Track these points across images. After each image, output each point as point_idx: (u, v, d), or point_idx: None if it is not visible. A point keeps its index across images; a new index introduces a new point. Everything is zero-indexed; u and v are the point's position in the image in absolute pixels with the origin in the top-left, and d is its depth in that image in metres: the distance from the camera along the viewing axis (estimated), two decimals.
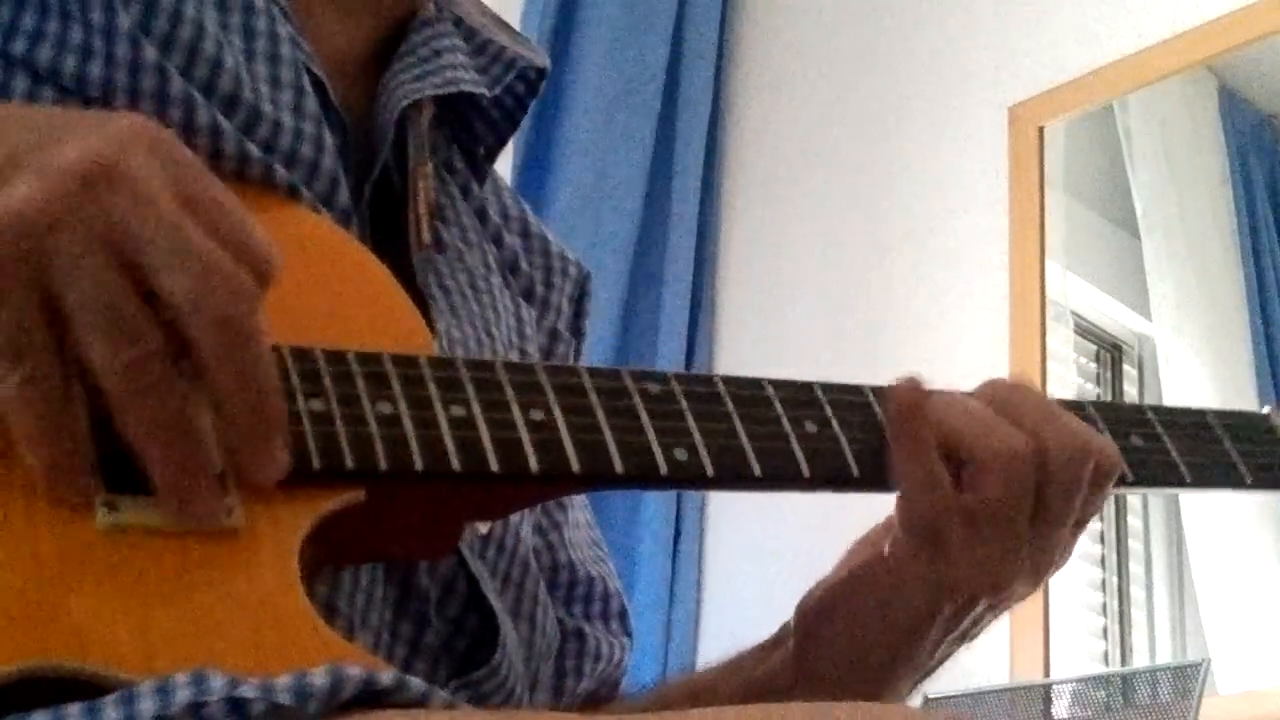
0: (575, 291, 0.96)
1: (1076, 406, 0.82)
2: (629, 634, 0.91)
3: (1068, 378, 2.60)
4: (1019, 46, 2.73)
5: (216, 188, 0.61)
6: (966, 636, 0.82)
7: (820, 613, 0.81)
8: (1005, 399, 0.78)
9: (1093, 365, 2.66)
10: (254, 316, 0.59)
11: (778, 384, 0.76)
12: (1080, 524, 0.80)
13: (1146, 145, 2.70)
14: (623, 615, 0.90)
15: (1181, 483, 0.83)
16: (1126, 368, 2.66)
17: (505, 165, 2.49)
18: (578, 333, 0.96)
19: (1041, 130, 2.67)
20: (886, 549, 0.78)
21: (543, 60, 0.92)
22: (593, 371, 0.72)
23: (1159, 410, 0.85)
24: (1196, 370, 2.57)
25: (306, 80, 0.79)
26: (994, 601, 0.79)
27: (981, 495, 0.75)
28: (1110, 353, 2.67)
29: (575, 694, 0.86)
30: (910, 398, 0.76)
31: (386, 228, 0.82)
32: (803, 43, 3.03)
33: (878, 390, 0.78)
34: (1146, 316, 2.62)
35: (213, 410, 0.60)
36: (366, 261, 0.76)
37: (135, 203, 0.57)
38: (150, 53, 0.73)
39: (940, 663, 0.83)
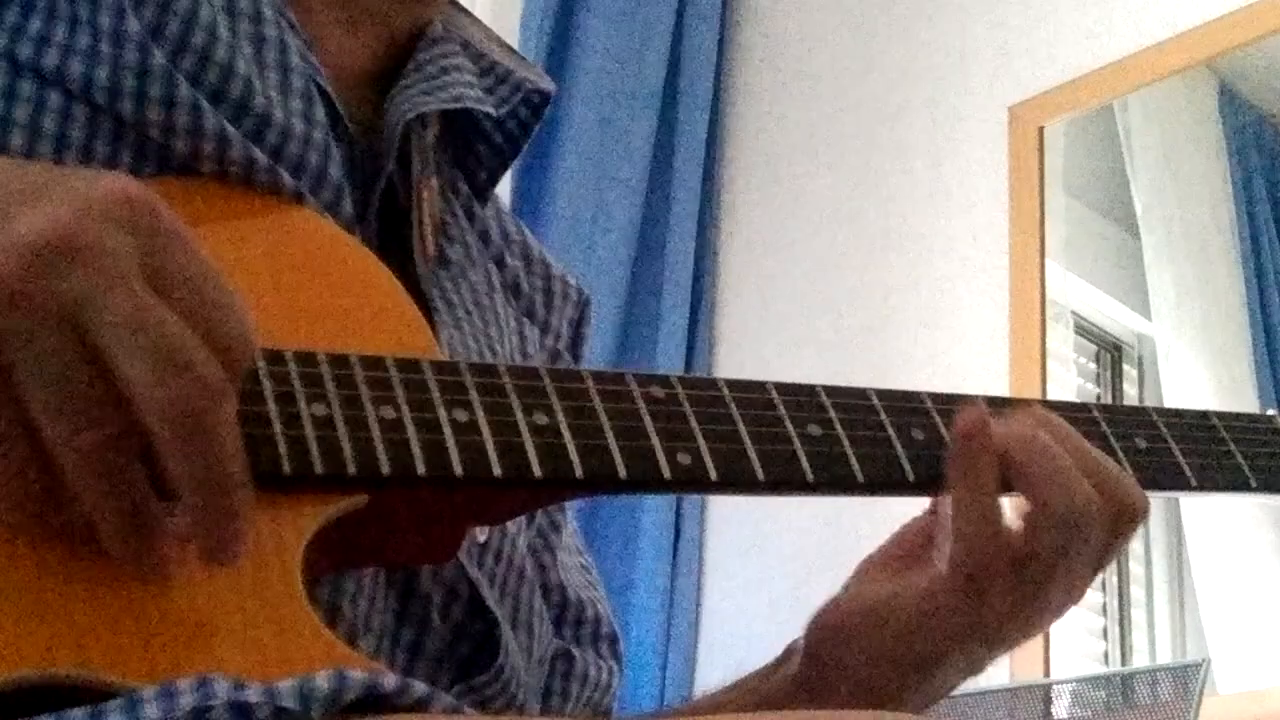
0: (575, 315, 0.96)
1: (1081, 408, 0.82)
2: (618, 659, 0.90)
3: (1068, 378, 2.60)
4: (1019, 46, 2.73)
5: (194, 261, 0.57)
6: (978, 669, 0.81)
7: (835, 637, 0.80)
8: (1067, 439, 0.76)
9: (1092, 365, 2.66)
10: (215, 411, 0.55)
11: (782, 387, 0.76)
12: (1108, 563, 0.79)
13: (1146, 145, 2.70)
14: (613, 640, 0.90)
15: (1186, 486, 0.82)
16: (1126, 368, 2.66)
17: None
18: (576, 356, 0.95)
19: (1041, 130, 2.67)
20: (924, 583, 0.76)
21: (548, 85, 0.92)
22: (597, 375, 0.71)
23: (1163, 412, 0.84)
24: (1196, 370, 2.57)
25: (315, 90, 0.79)
26: (1021, 641, 0.78)
27: (1038, 545, 0.74)
28: (1110, 353, 2.67)
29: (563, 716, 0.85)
30: (973, 430, 0.74)
31: (391, 241, 0.81)
32: (803, 43, 3.03)
33: (882, 393, 0.77)
34: (1146, 316, 2.62)
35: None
36: (371, 265, 0.76)
37: (92, 279, 0.54)
38: (158, 58, 0.72)
39: (948, 693, 0.81)
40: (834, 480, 0.74)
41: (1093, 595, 2.47)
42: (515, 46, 0.97)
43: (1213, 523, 2.45)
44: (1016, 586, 0.75)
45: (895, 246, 2.76)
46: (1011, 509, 0.76)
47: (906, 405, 0.77)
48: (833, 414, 0.75)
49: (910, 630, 0.77)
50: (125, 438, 0.55)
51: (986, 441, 0.74)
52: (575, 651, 0.87)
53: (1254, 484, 0.84)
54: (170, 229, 0.57)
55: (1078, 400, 2.59)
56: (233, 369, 0.57)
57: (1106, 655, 2.47)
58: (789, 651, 0.83)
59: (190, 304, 0.56)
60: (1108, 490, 0.75)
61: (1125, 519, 0.76)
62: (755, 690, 0.83)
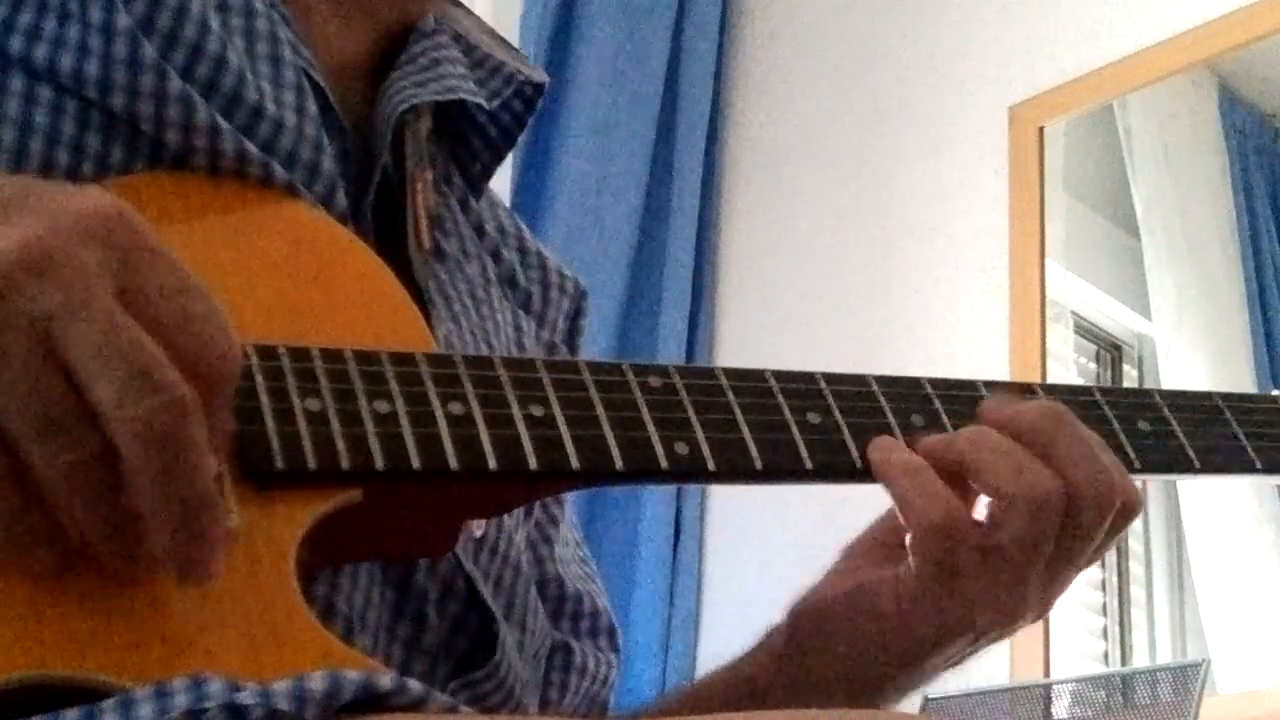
0: (572, 308, 0.95)
1: (1082, 391, 0.81)
2: (617, 652, 0.90)
3: (1067, 378, 2.59)
4: (1019, 46, 2.73)
5: (172, 276, 0.57)
6: (961, 661, 0.80)
7: (817, 627, 0.80)
8: (1032, 429, 0.75)
9: (1093, 365, 2.66)
10: (184, 430, 0.55)
11: (780, 375, 0.75)
12: (1094, 559, 0.78)
13: (1146, 145, 2.70)
14: (611, 633, 0.90)
15: (1190, 468, 0.81)
16: (1126, 368, 2.66)
17: (505, 165, 2.52)
18: (573, 349, 0.95)
19: (1041, 130, 2.66)
20: (899, 574, 0.76)
21: (541, 77, 0.92)
22: (593, 366, 0.71)
23: (1167, 394, 0.83)
24: (1196, 370, 2.57)
25: (307, 83, 0.79)
26: (1002, 634, 0.78)
27: (1003, 534, 0.73)
28: (1110, 353, 2.67)
29: (561, 708, 0.85)
30: (884, 450, 0.74)
31: (386, 234, 0.81)
32: (803, 43, 3.03)
33: (882, 380, 0.77)
34: (1146, 316, 2.62)
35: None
36: (366, 258, 0.75)
37: (64, 297, 0.54)
38: (149, 51, 0.72)
39: (931, 681, 0.81)
40: (833, 468, 0.73)
41: (1093, 595, 2.48)
42: (515, 45, 0.97)
43: (1213, 523, 2.45)
44: (989, 576, 0.74)
45: (895, 246, 2.76)
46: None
47: (906, 391, 0.77)
48: (832, 401, 0.75)
49: (888, 619, 0.77)
50: (106, 455, 0.55)
51: (901, 456, 0.74)
52: (574, 644, 0.87)
53: (1258, 465, 0.83)
54: (147, 244, 0.57)
55: None
56: (211, 385, 0.56)
57: (1106, 655, 2.47)
58: (770, 636, 0.83)
59: (166, 320, 0.56)
60: (1070, 473, 0.74)
61: (1102, 508, 0.75)
62: (734, 678, 0.83)
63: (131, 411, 0.54)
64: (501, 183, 2.56)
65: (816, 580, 0.82)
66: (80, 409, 0.54)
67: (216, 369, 0.57)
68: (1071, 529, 0.75)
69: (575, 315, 0.96)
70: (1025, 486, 0.73)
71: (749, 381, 0.74)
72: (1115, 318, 2.67)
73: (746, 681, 0.82)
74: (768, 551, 2.68)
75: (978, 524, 0.74)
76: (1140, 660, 2.41)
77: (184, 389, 0.55)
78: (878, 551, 0.80)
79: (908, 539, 0.75)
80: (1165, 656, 2.42)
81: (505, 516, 0.80)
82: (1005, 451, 0.74)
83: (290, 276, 0.72)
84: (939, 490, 0.73)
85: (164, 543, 0.56)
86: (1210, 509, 2.44)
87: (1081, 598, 2.48)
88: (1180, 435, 0.81)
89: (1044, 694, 2.13)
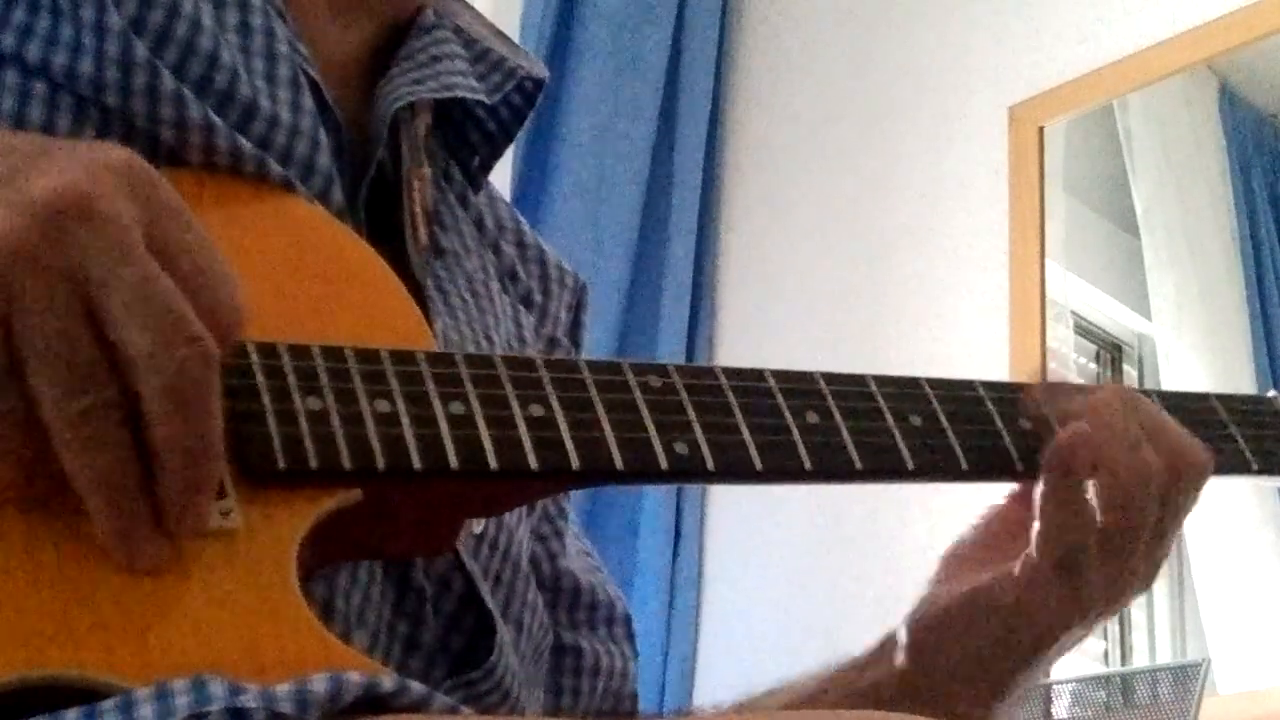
0: (572, 301, 0.95)
1: (1082, 390, 0.82)
2: (631, 640, 0.89)
3: (1067, 378, 2.59)
4: (1019, 46, 2.73)
5: (193, 232, 0.59)
6: (1073, 647, 0.82)
7: (937, 634, 0.81)
8: (1127, 409, 0.78)
9: (1093, 365, 2.66)
10: (208, 383, 0.57)
11: (779, 375, 0.75)
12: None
13: (1146, 145, 2.70)
14: (626, 621, 0.90)
15: None
16: (1126, 368, 2.66)
17: (505, 165, 2.50)
18: (576, 343, 0.95)
19: (1041, 130, 2.67)
20: (1021, 570, 0.78)
21: (541, 71, 0.92)
22: (593, 365, 0.71)
23: (1164, 395, 0.84)
24: (1196, 370, 2.57)
25: (304, 79, 0.79)
26: (1112, 614, 0.80)
27: (1116, 516, 0.76)
28: (1110, 353, 2.67)
29: (577, 713, 0.85)
30: (1074, 444, 0.76)
31: (384, 232, 0.81)
32: (803, 43, 3.03)
33: (880, 380, 0.77)
34: (1146, 316, 2.62)
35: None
36: (364, 255, 0.75)
37: (104, 245, 0.55)
38: (141, 50, 0.72)
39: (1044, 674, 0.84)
40: (832, 469, 0.73)
41: None
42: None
43: (1213, 523, 2.45)
44: (1106, 561, 0.77)
45: (895, 246, 2.76)
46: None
47: (905, 391, 0.77)
48: (831, 402, 0.75)
49: (1014, 617, 0.79)
50: (115, 406, 0.56)
51: (1082, 459, 0.76)
52: (584, 643, 0.87)
53: (1255, 466, 0.84)
54: (169, 198, 0.59)
55: None
56: (224, 340, 0.58)
57: (1106, 655, 2.46)
58: (886, 646, 0.83)
59: (188, 274, 0.57)
60: (1167, 450, 0.77)
61: (1190, 476, 0.78)
62: (852, 685, 0.84)
63: (164, 361, 0.55)
64: (502, 181, 2.55)
65: (926, 591, 0.83)
66: (102, 356, 0.55)
67: (229, 324, 0.58)
68: (1170, 504, 0.78)
69: (577, 309, 0.96)
70: (1136, 471, 0.76)
71: (748, 381, 0.74)
72: (1115, 318, 2.68)
73: (871, 692, 0.83)
74: (768, 551, 2.68)
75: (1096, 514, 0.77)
76: (1140, 660, 2.42)
77: (211, 343, 0.57)
78: (983, 554, 0.82)
79: (1034, 535, 0.77)
80: (1165, 656, 2.42)
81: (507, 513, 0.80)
82: (1117, 433, 0.77)
83: (289, 273, 0.71)
84: (1082, 500, 0.76)
85: (172, 490, 0.57)
86: (1210, 510, 2.44)
87: None
88: None
89: (1044, 694, 2.13)
